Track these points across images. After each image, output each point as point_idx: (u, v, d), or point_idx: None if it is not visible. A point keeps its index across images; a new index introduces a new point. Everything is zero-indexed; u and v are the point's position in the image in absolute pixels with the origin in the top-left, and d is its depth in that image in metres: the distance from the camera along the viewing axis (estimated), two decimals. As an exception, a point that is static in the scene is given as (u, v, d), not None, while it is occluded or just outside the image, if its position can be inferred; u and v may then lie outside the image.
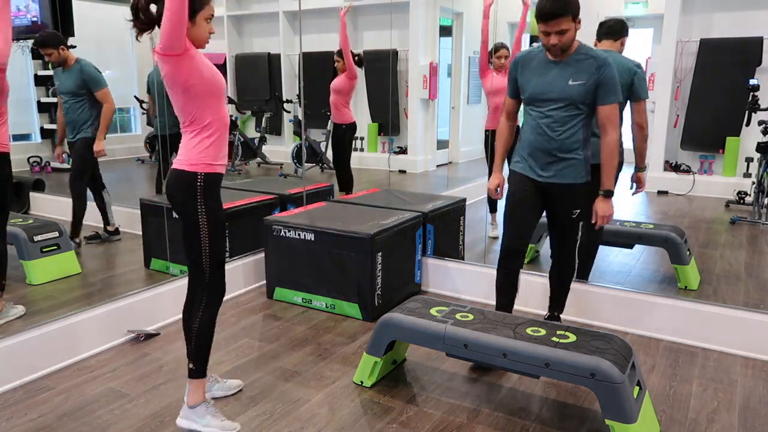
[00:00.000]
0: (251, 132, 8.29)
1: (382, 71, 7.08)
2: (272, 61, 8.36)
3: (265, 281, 3.92)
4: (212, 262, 2.29)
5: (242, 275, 3.96)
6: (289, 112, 8.11)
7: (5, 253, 3.20)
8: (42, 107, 5.40)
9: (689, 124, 6.74)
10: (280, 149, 8.25)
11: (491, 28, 4.71)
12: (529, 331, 2.45)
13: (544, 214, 2.93)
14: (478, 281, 3.82)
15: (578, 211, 2.84)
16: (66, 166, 5.67)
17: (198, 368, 2.36)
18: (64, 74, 4.27)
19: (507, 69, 4.41)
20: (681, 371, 2.90)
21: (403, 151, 7.86)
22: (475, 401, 2.62)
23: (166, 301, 3.41)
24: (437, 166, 8.08)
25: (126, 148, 7.21)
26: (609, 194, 2.78)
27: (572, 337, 2.38)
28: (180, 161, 2.22)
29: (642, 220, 5.43)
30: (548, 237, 3.03)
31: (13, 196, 5.33)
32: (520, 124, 3.08)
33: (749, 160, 6.38)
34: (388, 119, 7.57)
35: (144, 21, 2.14)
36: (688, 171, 6.75)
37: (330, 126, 5.98)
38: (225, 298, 3.78)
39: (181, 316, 2.42)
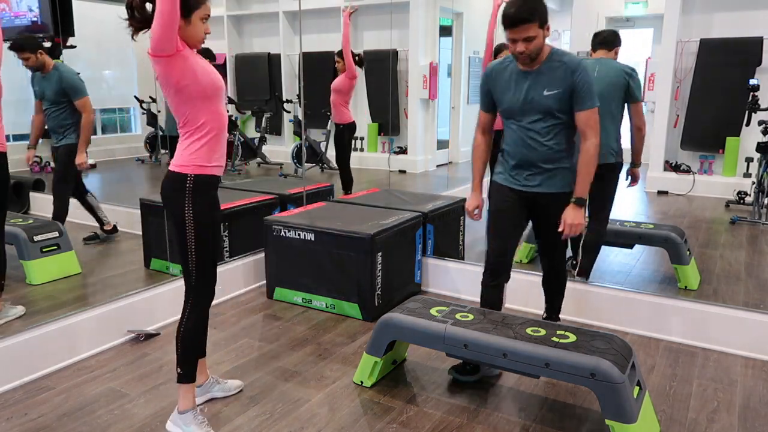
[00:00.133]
0: (251, 132, 8.29)
1: (382, 71, 7.08)
2: (272, 61, 8.36)
3: (265, 281, 3.92)
4: (198, 265, 2.25)
5: (242, 275, 3.96)
6: (289, 112, 8.11)
7: (4, 253, 3.19)
8: (42, 107, 5.40)
9: (689, 124, 6.74)
10: (280, 149, 8.25)
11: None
12: (529, 331, 2.45)
13: (530, 225, 2.85)
14: (478, 281, 3.78)
15: None
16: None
17: (185, 373, 2.32)
18: (43, 80, 4.14)
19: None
20: (681, 371, 2.90)
21: (403, 151, 7.86)
22: (475, 401, 2.62)
23: (166, 301, 3.41)
24: (437, 166, 8.08)
25: (126, 148, 7.22)
26: (581, 203, 2.58)
27: (572, 337, 2.38)
28: (173, 162, 2.22)
29: (642, 220, 5.44)
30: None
31: (13, 196, 5.34)
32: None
33: (749, 160, 6.38)
34: (388, 119, 7.56)
35: (139, 20, 2.12)
36: (688, 171, 6.75)
37: (331, 126, 5.98)
38: (225, 298, 3.81)
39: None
